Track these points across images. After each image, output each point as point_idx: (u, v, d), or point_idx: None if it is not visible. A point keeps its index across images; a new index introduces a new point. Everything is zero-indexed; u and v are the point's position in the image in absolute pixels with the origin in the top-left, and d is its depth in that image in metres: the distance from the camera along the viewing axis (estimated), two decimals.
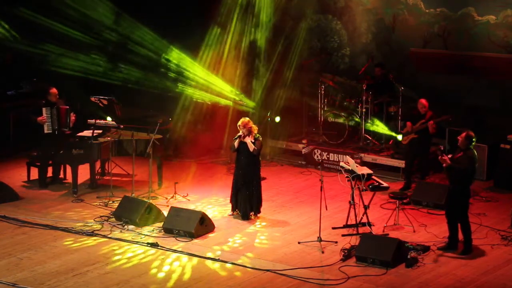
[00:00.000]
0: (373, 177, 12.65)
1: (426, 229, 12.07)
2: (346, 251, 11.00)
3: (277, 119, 16.22)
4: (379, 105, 15.57)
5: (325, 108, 16.10)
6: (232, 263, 10.79)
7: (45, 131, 14.10)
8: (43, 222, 12.37)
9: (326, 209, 11.83)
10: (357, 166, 12.29)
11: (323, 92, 16.07)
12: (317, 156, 15.62)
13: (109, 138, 13.98)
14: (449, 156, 11.05)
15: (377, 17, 16.50)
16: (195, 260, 10.93)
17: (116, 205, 12.90)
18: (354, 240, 11.34)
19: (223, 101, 16.34)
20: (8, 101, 16.74)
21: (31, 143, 14.91)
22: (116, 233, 11.92)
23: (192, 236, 11.71)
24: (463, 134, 11.07)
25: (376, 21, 16.51)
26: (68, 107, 14.24)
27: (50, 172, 14.53)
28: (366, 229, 11.90)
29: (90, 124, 14.27)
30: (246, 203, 12.57)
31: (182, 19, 16.72)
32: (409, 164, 14.25)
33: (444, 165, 11.02)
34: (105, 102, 14.68)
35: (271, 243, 11.64)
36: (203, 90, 16.57)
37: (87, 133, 14.09)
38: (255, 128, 12.48)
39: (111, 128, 14.32)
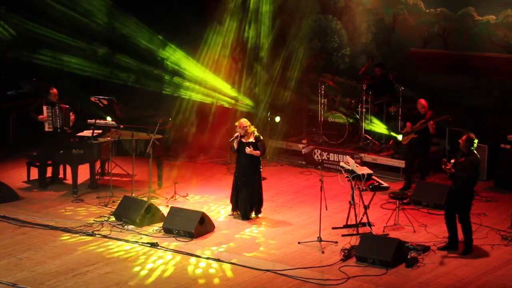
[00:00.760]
0: (373, 177, 12.64)
1: (426, 229, 12.07)
2: (346, 251, 11.00)
3: (277, 119, 16.22)
4: (379, 105, 15.57)
5: (325, 108, 16.10)
6: (232, 263, 10.78)
7: (46, 129, 14.09)
8: (43, 222, 12.37)
9: (326, 209, 11.83)
10: (357, 166, 12.29)
11: (323, 92, 16.07)
12: (317, 156, 15.61)
13: (109, 138, 13.98)
14: (452, 161, 10.98)
15: (377, 17, 16.50)
16: (194, 260, 10.93)
17: (116, 205, 12.90)
18: (354, 240, 11.33)
19: (222, 100, 16.34)
20: (8, 101, 16.74)
21: (31, 143, 14.90)
22: (116, 233, 11.92)
23: (192, 236, 11.71)
24: (464, 137, 10.98)
25: (376, 21, 16.51)
26: (68, 106, 14.25)
27: (49, 172, 14.53)
28: (366, 229, 11.90)
29: (90, 124, 14.26)
30: (247, 203, 12.57)
31: (181, 18, 16.72)
32: (409, 164, 14.24)
33: (448, 173, 10.99)
34: (105, 102, 14.68)
35: (271, 243, 11.64)
36: (201, 89, 16.57)
37: (87, 133, 14.08)
38: (251, 129, 12.43)
39: (111, 128, 14.31)
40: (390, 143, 15.43)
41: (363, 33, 16.70)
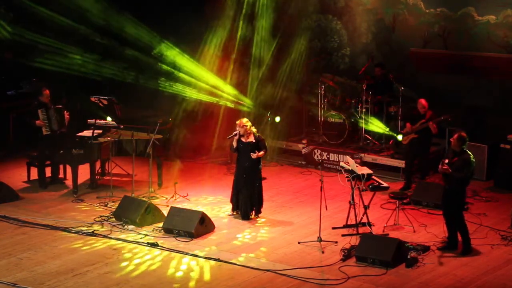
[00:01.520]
0: (373, 177, 12.66)
1: (426, 229, 12.07)
2: (346, 251, 11.00)
3: (277, 119, 16.20)
4: (379, 105, 15.57)
5: (325, 108, 16.10)
6: (232, 263, 10.79)
7: (44, 133, 14.08)
8: (43, 222, 12.37)
9: (326, 209, 11.83)
10: (357, 166, 12.29)
11: (323, 92, 16.06)
12: (317, 156, 15.61)
13: (109, 138, 13.98)
14: (446, 161, 10.98)
15: (377, 17, 16.50)
16: (194, 260, 10.93)
17: (116, 205, 12.90)
18: (354, 240, 11.33)
19: (221, 99, 16.34)
20: (8, 101, 16.74)
21: (31, 143, 14.89)
22: (116, 233, 11.92)
23: (192, 236, 11.71)
24: (455, 136, 10.97)
25: (376, 21, 16.51)
26: (61, 106, 14.23)
27: (49, 172, 14.53)
28: (366, 229, 11.90)
29: (90, 124, 14.27)
30: (247, 203, 12.57)
31: (180, 17, 16.72)
32: (409, 164, 14.25)
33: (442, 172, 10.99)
34: (105, 102, 14.68)
35: (271, 243, 11.64)
36: (200, 88, 16.56)
37: (87, 133, 14.09)
38: (251, 129, 12.43)
39: (111, 128, 14.32)
40: (390, 143, 15.43)
41: (363, 33, 16.70)
